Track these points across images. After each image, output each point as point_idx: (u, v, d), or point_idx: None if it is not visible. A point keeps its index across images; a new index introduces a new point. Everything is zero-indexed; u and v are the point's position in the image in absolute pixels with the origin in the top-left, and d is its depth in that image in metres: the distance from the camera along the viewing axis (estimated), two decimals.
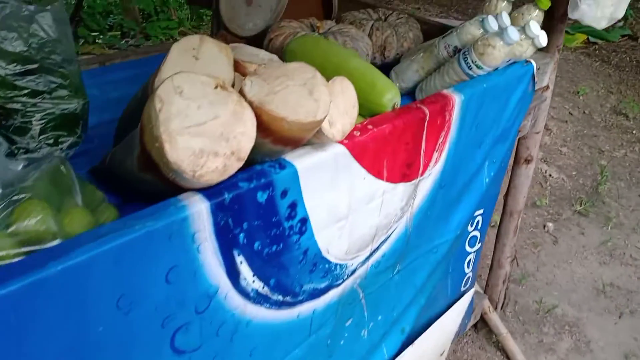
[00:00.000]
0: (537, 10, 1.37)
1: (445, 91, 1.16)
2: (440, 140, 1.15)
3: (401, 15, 1.57)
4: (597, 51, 4.46)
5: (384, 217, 1.08)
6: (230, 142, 0.69)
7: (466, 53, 1.25)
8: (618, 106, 3.68)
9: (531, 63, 1.35)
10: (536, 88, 1.43)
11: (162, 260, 0.69)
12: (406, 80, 1.40)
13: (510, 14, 1.39)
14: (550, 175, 2.94)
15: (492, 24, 1.26)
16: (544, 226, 2.55)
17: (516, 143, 1.63)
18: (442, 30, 1.61)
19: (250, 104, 0.73)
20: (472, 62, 1.24)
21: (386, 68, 1.49)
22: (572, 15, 1.31)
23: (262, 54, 1.04)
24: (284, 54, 1.16)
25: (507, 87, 1.30)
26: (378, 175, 1.01)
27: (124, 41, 4.37)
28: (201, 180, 0.68)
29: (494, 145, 1.36)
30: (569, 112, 3.55)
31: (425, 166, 1.14)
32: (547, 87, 1.54)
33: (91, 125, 1.07)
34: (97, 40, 4.25)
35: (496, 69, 1.27)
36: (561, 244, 2.45)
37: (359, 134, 0.94)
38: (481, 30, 1.28)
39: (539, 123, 1.59)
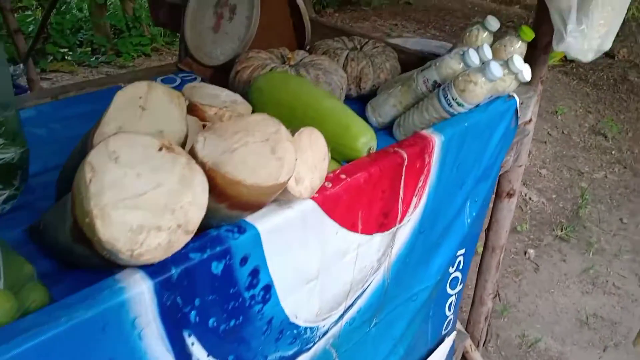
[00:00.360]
0: (520, 42, 1.30)
1: (424, 132, 1.08)
2: (420, 184, 1.07)
3: (377, 44, 1.49)
4: (575, 69, 4.47)
5: (359, 272, 0.99)
6: (176, 214, 0.59)
7: (446, 89, 1.17)
8: (596, 126, 3.67)
9: (514, 98, 1.28)
10: (519, 122, 1.36)
11: (96, 355, 0.59)
12: (383, 114, 1.32)
13: (491, 46, 1.32)
14: (530, 198, 2.89)
15: (474, 58, 1.19)
16: (525, 253, 2.49)
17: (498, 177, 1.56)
18: (420, 59, 1.54)
19: (203, 165, 0.63)
20: (453, 99, 1.16)
21: (363, 99, 1.41)
22: (558, 48, 1.24)
23: (225, 94, 0.95)
24: (251, 92, 1.07)
25: (490, 124, 1.23)
26: (352, 228, 0.92)
27: (94, 57, 4.24)
28: (140, 260, 0.58)
29: (476, 184, 1.28)
30: (548, 133, 3.53)
31: (404, 213, 1.05)
32: (530, 120, 1.47)
33: (34, 172, 0.96)
34: (66, 57, 4.12)
35: (478, 105, 1.20)
36: (543, 272, 2.39)
37: (330, 185, 0.85)
38: (462, 65, 1.20)
39: (522, 156, 1.52)
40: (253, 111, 1.05)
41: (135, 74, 1.50)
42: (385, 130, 1.32)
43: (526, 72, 1.21)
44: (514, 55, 1.17)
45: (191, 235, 0.61)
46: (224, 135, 0.67)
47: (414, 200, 1.07)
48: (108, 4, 4.59)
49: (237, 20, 1.43)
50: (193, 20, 1.52)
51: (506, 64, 1.18)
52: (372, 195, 0.94)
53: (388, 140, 1.28)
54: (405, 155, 0.99)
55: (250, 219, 0.73)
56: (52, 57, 4.05)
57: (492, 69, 1.11)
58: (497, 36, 1.37)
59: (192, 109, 0.88)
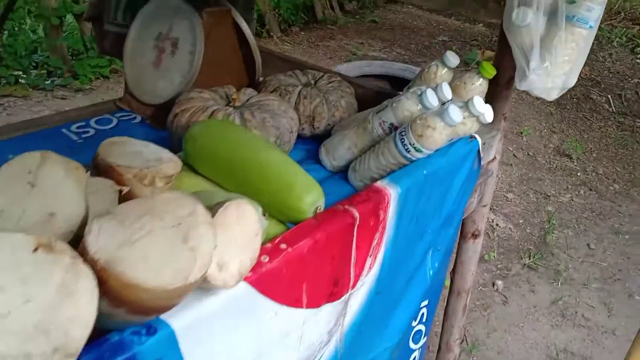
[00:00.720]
0: (481, 79, 1.22)
1: (378, 184, 0.98)
2: (375, 242, 0.97)
3: (333, 78, 1.40)
4: None
5: (307, 349, 0.87)
6: (52, 335, 0.47)
7: (403, 133, 1.07)
8: (561, 146, 3.66)
9: (476, 139, 1.19)
10: (482, 163, 1.28)
11: None
12: (338, 158, 1.21)
13: (451, 83, 1.24)
14: (497, 224, 2.83)
15: (431, 99, 1.10)
16: (494, 284, 2.42)
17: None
18: (379, 95, 1.45)
19: (93, 264, 0.51)
20: (410, 144, 1.06)
21: (317, 138, 1.31)
22: (520, 86, 1.16)
23: (149, 150, 0.83)
24: (185, 142, 0.95)
25: (451, 169, 1.14)
26: (295, 304, 0.81)
27: (50, 80, 4.06)
28: None
29: (438, 232, 1.18)
30: (514, 154, 3.50)
31: (357, 277, 0.94)
32: (494, 158, 1.39)
33: None
34: (20, 80, 3.92)
35: (438, 149, 1.11)
36: (511, 304, 2.32)
37: (267, 259, 0.74)
38: (419, 106, 1.11)
39: (487, 196, 1.44)
40: (190, 167, 0.93)
41: (66, 114, 1.36)
42: (341, 173, 1.22)
43: (488, 114, 1.13)
44: (474, 97, 1.08)
45: (74, 358, 0.48)
46: (125, 221, 0.55)
47: (369, 261, 0.96)
48: (65, 24, 4.41)
49: (179, 54, 1.31)
50: (133, 53, 1.40)
51: (466, 106, 1.10)
52: (319, 263, 0.83)
53: (343, 186, 1.18)
54: (356, 214, 0.89)
55: (163, 315, 0.61)
56: (4, 81, 3.86)
57: (451, 113, 1.02)
58: (459, 71, 1.29)
59: (108, 172, 0.76)
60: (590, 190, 3.21)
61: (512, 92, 1.36)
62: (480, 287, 2.40)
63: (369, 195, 0.93)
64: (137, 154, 0.81)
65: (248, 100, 1.19)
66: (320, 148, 1.24)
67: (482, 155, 1.23)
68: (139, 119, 1.36)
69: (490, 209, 3.00)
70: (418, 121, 1.06)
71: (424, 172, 1.05)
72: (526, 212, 2.97)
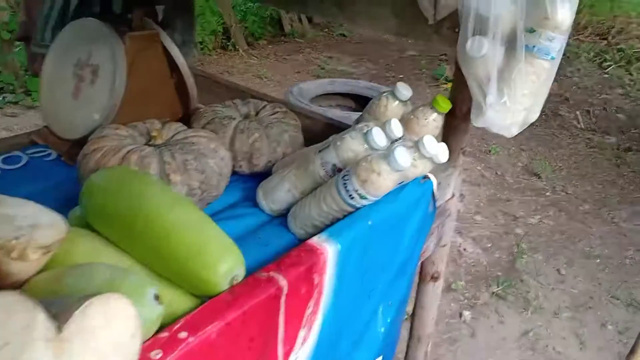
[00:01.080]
0: (435, 114, 1.10)
1: (313, 241, 0.84)
2: (309, 311, 0.83)
3: (277, 109, 1.26)
4: None
5: None
6: None
7: (346, 178, 0.94)
8: (530, 165, 3.59)
9: (430, 180, 1.07)
10: (438, 204, 1.16)
11: None
12: (277, 201, 1.08)
13: (403, 118, 1.12)
14: (464, 249, 2.73)
15: (378, 138, 0.97)
16: (461, 315, 2.30)
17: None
18: (328, 128, 1.32)
19: None
20: (354, 190, 0.93)
21: (258, 176, 1.17)
22: (477, 123, 1.05)
23: (25, 212, 0.68)
24: (81, 196, 0.80)
25: (402, 216, 1.01)
26: None
27: (1, 97, 3.85)
28: None
29: (390, 286, 1.06)
30: (482, 174, 3.41)
31: (287, 354, 0.80)
32: (453, 195, 1.27)
33: None
34: None
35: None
36: (479, 337, 2.20)
37: (160, 355, 0.59)
38: (365, 146, 0.99)
39: (446, 236, 1.32)
40: (88, 227, 0.79)
41: None
42: (282, 217, 1.08)
43: (442, 155, 1.01)
44: (425, 137, 0.96)
45: None
46: None
47: (302, 333, 0.82)
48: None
49: (100, 83, 1.17)
50: (50, 81, 1.25)
51: (417, 146, 0.97)
52: (233, 350, 0.69)
53: (282, 233, 1.04)
54: (283, 282, 0.75)
55: None
56: None
57: (397, 158, 0.89)
58: (410, 106, 1.17)
59: None
60: (560, 211, 3.13)
61: (471, 125, 1.25)
62: (448, 320, 2.28)
63: (300, 257, 0.80)
64: (6, 218, 0.66)
65: (173, 136, 1.05)
66: (257, 190, 1.11)
67: (437, 196, 1.11)
68: (54, 155, 1.20)
69: (458, 232, 2.90)
70: (363, 164, 0.93)
71: (369, 222, 0.92)
72: (494, 235, 2.87)
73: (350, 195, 0.94)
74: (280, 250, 0.98)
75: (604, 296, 2.49)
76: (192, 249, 0.71)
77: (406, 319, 1.55)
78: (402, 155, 0.90)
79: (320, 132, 1.30)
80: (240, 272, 0.74)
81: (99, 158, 0.95)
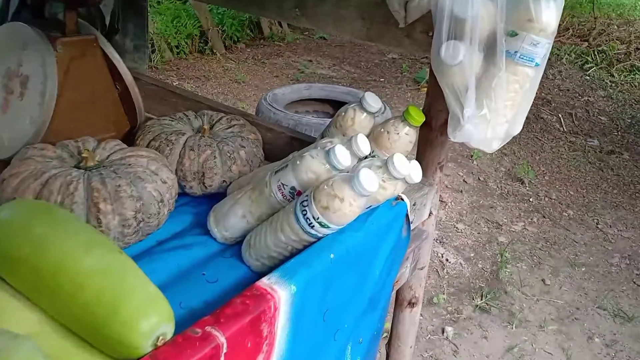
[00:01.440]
0: (408, 127, 0.99)
1: (262, 284, 0.72)
2: None
3: (234, 121, 1.14)
4: None
5: None
6: None
7: (305, 204, 0.82)
8: (513, 170, 3.51)
9: (403, 202, 0.95)
10: (413, 227, 1.04)
11: None
12: (230, 228, 0.95)
13: (372, 132, 1.00)
14: (447, 260, 2.63)
15: (341, 157, 0.85)
16: (443, 331, 2.20)
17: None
18: (293, 142, 1.20)
19: None
20: (314, 218, 0.81)
21: (212, 198, 1.05)
22: (454, 137, 0.93)
23: None
24: None
25: (370, 245, 0.89)
26: None
27: None
28: None
29: (359, 322, 0.94)
30: (464, 180, 3.32)
31: None
32: (430, 214, 1.16)
33: None
34: None
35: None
36: (463, 355, 2.09)
37: None
38: (327, 166, 0.87)
39: (423, 258, 1.20)
40: None
41: None
42: (239, 245, 0.96)
43: (415, 174, 0.89)
44: (394, 155, 0.84)
45: None
46: None
47: None
48: None
49: (29, 96, 1.03)
50: None
51: (385, 166, 0.86)
52: None
53: (234, 265, 0.92)
54: (222, 340, 0.63)
55: None
56: None
57: (362, 181, 0.77)
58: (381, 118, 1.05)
59: None
60: (544, 217, 3.05)
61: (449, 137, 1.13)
62: (429, 336, 2.17)
63: (244, 305, 0.67)
64: None
65: (108, 157, 0.92)
66: (209, 215, 0.98)
67: (411, 218, 0.99)
68: None
69: (440, 242, 2.80)
70: (324, 188, 0.81)
71: (332, 256, 0.80)
72: (477, 244, 2.77)
73: (310, 224, 0.82)
74: (231, 288, 0.85)
75: (590, 306, 2.40)
76: (108, 303, 0.59)
77: (385, 336, 1.44)
78: (368, 178, 0.78)
79: (283, 147, 1.18)
80: (167, 330, 0.61)
81: (17, 185, 0.82)
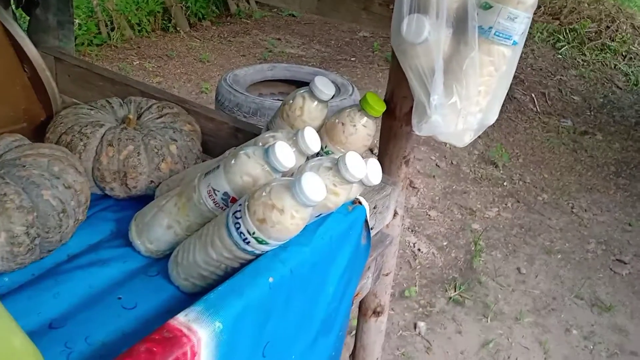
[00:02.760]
0: (366, 118, 0.84)
1: (177, 322, 0.57)
2: None
3: (167, 110, 0.97)
4: None
5: None
6: None
7: (238, 215, 0.67)
8: (486, 153, 3.41)
9: (361, 205, 0.81)
10: (374, 233, 0.90)
11: None
12: (155, 240, 0.80)
13: (325, 124, 0.85)
14: (419, 249, 2.51)
15: (282, 157, 0.70)
16: (415, 326, 2.09)
17: None
18: (237, 135, 1.03)
19: None
20: (249, 232, 0.66)
21: (140, 200, 0.89)
22: (420, 130, 0.79)
23: None
24: None
25: (321, 260, 0.75)
26: None
27: None
28: None
29: (309, 350, 0.79)
30: (436, 164, 3.20)
31: None
32: (396, 214, 1.02)
33: None
34: None
35: None
36: (436, 352, 1.99)
37: None
38: (265, 168, 0.71)
39: (388, 263, 1.07)
40: None
41: None
42: (166, 259, 0.80)
43: (373, 175, 0.74)
44: (346, 155, 0.69)
45: None
46: None
47: None
48: None
49: None
50: None
51: (336, 167, 0.71)
52: None
53: (160, 285, 0.77)
54: None
55: None
56: None
57: (305, 189, 0.62)
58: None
59: None
60: (518, 202, 2.96)
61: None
62: (401, 332, 2.06)
63: (150, 354, 0.52)
64: None
65: (1, 156, 0.75)
66: (130, 223, 0.82)
67: (372, 224, 0.85)
68: None
69: (412, 230, 2.68)
70: (261, 196, 0.66)
71: (270, 279, 0.66)
72: (450, 232, 2.67)
73: (244, 239, 0.67)
74: (152, 316, 0.70)
75: (567, 296, 2.32)
76: None
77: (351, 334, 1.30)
78: (313, 185, 0.63)
79: (226, 140, 1.02)
80: None
81: None
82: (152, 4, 4.98)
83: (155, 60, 4.48)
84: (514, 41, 0.74)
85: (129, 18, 4.73)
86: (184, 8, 5.32)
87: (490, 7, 0.71)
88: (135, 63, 4.35)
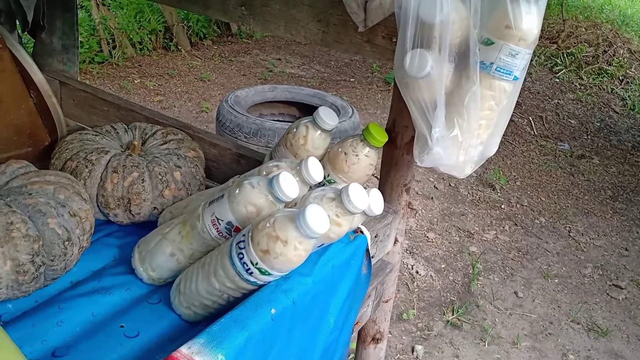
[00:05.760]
0: (368, 148, 0.85)
1: (180, 354, 0.57)
2: None
3: (171, 135, 0.98)
4: None
5: None
6: None
7: (242, 245, 0.68)
8: (484, 175, 3.43)
9: (363, 235, 0.82)
10: (375, 261, 0.91)
11: None
12: (157, 268, 0.80)
13: (327, 153, 0.86)
14: (417, 272, 2.51)
15: (287, 188, 0.71)
16: (413, 350, 2.08)
17: None
18: (240, 161, 1.05)
19: None
20: (252, 263, 0.67)
21: (144, 227, 0.90)
22: (421, 162, 0.80)
23: None
24: None
25: (322, 291, 0.75)
26: None
27: None
28: None
29: None
30: (434, 186, 3.22)
31: None
32: (396, 241, 1.02)
33: None
34: None
35: None
36: None
37: None
38: (269, 198, 0.72)
39: (388, 290, 1.07)
40: None
41: None
42: (169, 286, 0.81)
43: (375, 205, 0.75)
44: (349, 187, 0.71)
45: None
46: None
47: None
48: None
49: None
50: None
51: (339, 198, 0.72)
52: None
53: (162, 313, 0.77)
54: None
55: None
56: None
57: (309, 221, 0.63)
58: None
59: None
60: (516, 225, 2.97)
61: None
62: (398, 355, 2.05)
63: None
64: None
65: (8, 183, 0.76)
66: (133, 250, 0.83)
67: (372, 253, 0.86)
68: None
69: (410, 252, 2.69)
70: (265, 228, 0.67)
71: (273, 311, 0.66)
72: (448, 254, 2.67)
73: (247, 270, 0.68)
74: (154, 344, 0.70)
75: (563, 320, 2.32)
76: None
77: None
78: (317, 218, 0.64)
79: (229, 166, 1.03)
80: None
81: None
82: (154, 22, 5.03)
83: (157, 78, 4.51)
84: (515, 76, 0.75)
85: (131, 36, 4.78)
86: (185, 27, 5.38)
87: (492, 43, 0.73)
88: (136, 81, 4.38)
